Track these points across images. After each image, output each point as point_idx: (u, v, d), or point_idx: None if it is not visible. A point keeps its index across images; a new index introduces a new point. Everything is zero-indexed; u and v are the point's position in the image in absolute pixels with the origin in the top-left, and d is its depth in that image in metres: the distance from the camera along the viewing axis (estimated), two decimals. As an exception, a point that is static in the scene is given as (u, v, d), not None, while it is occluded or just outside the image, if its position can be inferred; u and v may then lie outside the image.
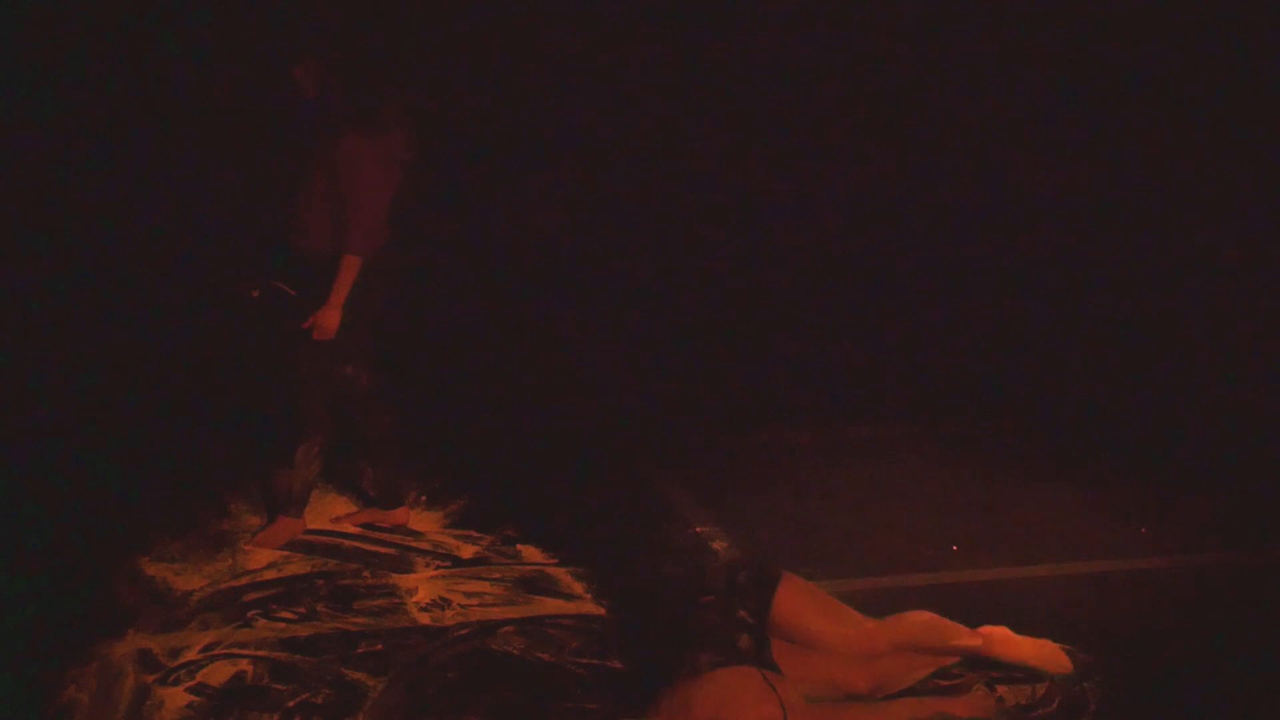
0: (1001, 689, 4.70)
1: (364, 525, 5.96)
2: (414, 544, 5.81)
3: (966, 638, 4.74)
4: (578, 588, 5.46)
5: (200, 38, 7.86)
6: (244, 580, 5.42)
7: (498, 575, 5.55)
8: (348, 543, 5.79)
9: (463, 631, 5.05)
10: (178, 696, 4.52)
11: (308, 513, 5.87)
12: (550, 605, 5.30)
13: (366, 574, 5.51)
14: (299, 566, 5.56)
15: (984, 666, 4.76)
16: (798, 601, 4.54)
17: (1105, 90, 9.01)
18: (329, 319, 5.54)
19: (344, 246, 5.51)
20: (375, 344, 5.79)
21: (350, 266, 5.52)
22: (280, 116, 5.60)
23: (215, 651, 4.82)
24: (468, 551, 5.77)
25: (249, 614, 5.12)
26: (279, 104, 5.57)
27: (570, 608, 5.29)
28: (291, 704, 4.50)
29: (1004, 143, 9.11)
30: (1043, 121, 9.11)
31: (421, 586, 5.42)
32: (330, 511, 6.06)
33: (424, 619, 5.15)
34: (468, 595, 5.36)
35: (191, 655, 4.78)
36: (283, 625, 5.05)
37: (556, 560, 5.69)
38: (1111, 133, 9.08)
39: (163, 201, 8.02)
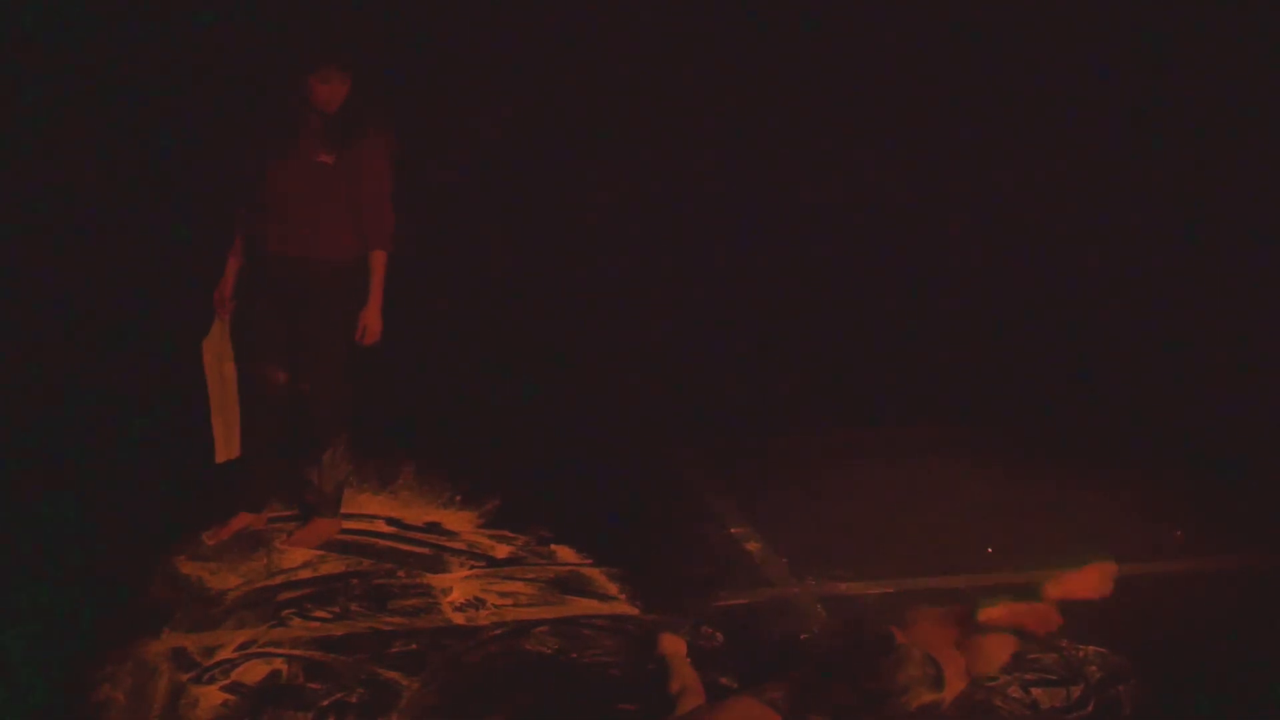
0: (1036, 692, 4.68)
1: (391, 522, 5.98)
2: (448, 544, 5.82)
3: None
4: (612, 588, 5.46)
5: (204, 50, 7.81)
6: (279, 579, 5.44)
7: (532, 575, 5.56)
8: (382, 542, 5.81)
9: (497, 631, 5.05)
10: (212, 695, 4.54)
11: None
12: (584, 606, 5.31)
13: (401, 573, 5.52)
14: (334, 566, 5.57)
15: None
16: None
17: (1122, 92, 8.96)
18: (377, 321, 5.56)
19: (374, 245, 5.51)
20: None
21: (383, 263, 5.54)
22: (289, 131, 5.50)
23: (250, 650, 4.84)
24: (502, 551, 5.77)
25: (284, 613, 5.14)
26: (289, 120, 5.47)
27: (604, 608, 5.29)
28: (325, 703, 4.51)
29: (1040, 146, 9.07)
30: (1070, 121, 9.06)
31: (456, 586, 5.43)
32: (366, 510, 6.08)
33: (458, 619, 5.16)
34: (502, 595, 5.37)
35: (226, 654, 4.80)
36: (317, 624, 5.07)
37: (591, 561, 5.70)
38: (1135, 130, 9.02)
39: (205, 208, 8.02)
